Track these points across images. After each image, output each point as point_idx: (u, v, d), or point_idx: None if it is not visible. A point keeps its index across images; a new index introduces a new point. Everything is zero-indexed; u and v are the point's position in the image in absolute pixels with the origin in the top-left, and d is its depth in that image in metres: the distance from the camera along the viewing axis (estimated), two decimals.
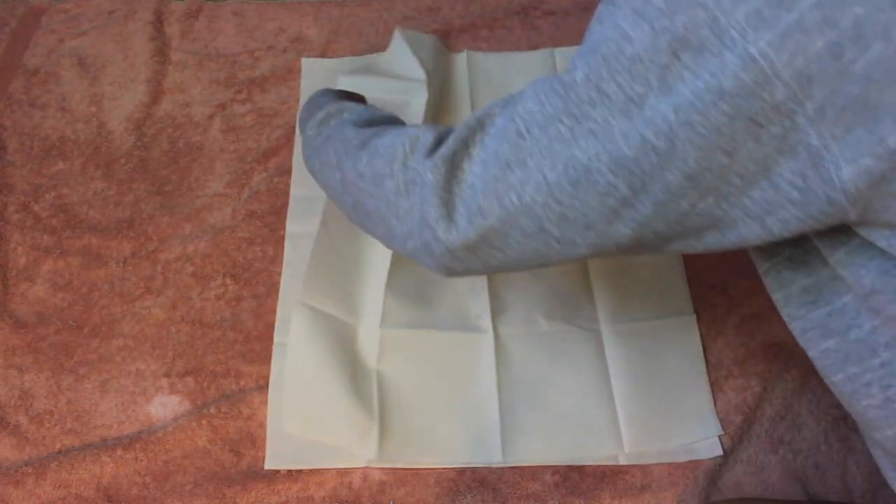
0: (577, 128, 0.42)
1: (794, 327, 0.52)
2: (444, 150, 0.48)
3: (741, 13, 0.36)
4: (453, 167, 0.48)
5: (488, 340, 0.82)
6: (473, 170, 0.47)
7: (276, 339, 0.83)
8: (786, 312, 0.52)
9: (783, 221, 0.42)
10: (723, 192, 0.41)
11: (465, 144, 0.48)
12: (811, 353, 0.51)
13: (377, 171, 0.53)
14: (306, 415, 0.77)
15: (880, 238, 0.42)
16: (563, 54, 1.06)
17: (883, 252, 0.43)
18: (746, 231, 0.43)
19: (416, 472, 0.76)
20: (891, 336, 0.45)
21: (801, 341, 0.52)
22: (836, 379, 0.50)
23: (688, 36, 0.38)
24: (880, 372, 0.47)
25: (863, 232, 0.43)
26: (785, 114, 0.37)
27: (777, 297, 0.52)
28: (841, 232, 0.45)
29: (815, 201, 0.40)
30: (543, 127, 0.44)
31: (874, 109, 0.36)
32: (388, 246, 0.57)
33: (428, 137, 0.50)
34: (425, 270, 0.90)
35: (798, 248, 0.49)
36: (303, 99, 1.01)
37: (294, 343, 0.79)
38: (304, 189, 0.93)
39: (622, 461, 0.76)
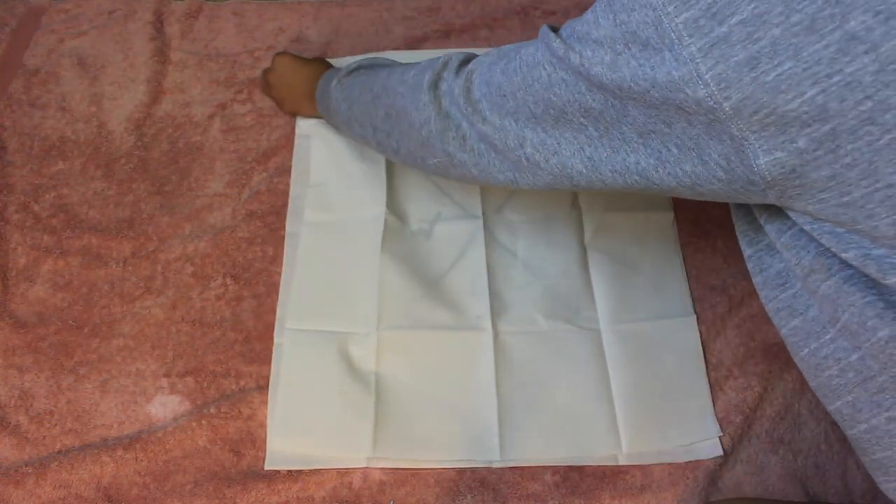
0: (553, 75, 0.51)
1: (770, 308, 0.58)
2: (462, 74, 0.61)
3: (682, 19, 0.42)
4: (466, 84, 0.60)
5: (487, 339, 0.82)
6: (481, 88, 0.58)
7: (276, 339, 0.83)
8: (763, 294, 0.59)
9: (712, 192, 0.49)
10: (663, 156, 0.49)
11: (470, 73, 0.60)
12: (783, 332, 0.58)
13: (417, 79, 0.66)
14: (300, 432, 0.77)
15: (805, 223, 0.48)
16: None
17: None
18: (679, 192, 0.51)
19: (416, 472, 0.76)
20: (829, 315, 0.52)
21: (775, 321, 0.58)
22: (803, 354, 0.56)
23: (638, 32, 0.44)
24: (831, 346, 0.53)
25: (792, 215, 0.49)
26: (707, 108, 0.43)
27: (756, 280, 0.59)
28: (785, 217, 0.51)
29: (738, 181, 0.47)
30: (531, 66, 0.53)
31: (782, 115, 0.42)
32: (398, 149, 0.71)
33: (454, 60, 0.64)
34: (422, 271, 0.91)
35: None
36: None
37: (286, 368, 0.80)
38: (303, 188, 0.93)
39: (621, 461, 0.76)
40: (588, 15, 0.49)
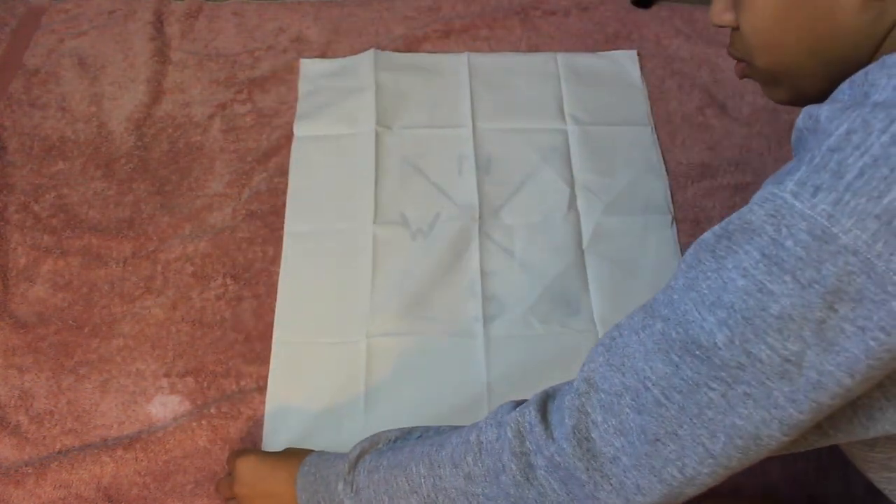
0: (729, 392, 0.39)
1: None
2: (564, 425, 0.45)
3: None
4: (581, 440, 0.44)
5: (479, 345, 0.82)
6: (612, 441, 0.43)
7: (275, 339, 0.83)
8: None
9: None
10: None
11: (583, 412, 0.44)
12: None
13: (489, 468, 0.48)
14: (293, 442, 0.77)
15: None
16: (564, 58, 1.06)
17: None
18: None
19: None
20: None
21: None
22: None
23: (842, 286, 0.35)
24: None
25: None
26: None
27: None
28: None
29: None
30: (687, 394, 0.40)
31: None
32: None
33: (530, 418, 0.47)
34: (418, 273, 0.90)
35: None
36: (301, 100, 1.01)
37: (278, 379, 0.80)
38: (302, 187, 0.93)
39: None
40: None
